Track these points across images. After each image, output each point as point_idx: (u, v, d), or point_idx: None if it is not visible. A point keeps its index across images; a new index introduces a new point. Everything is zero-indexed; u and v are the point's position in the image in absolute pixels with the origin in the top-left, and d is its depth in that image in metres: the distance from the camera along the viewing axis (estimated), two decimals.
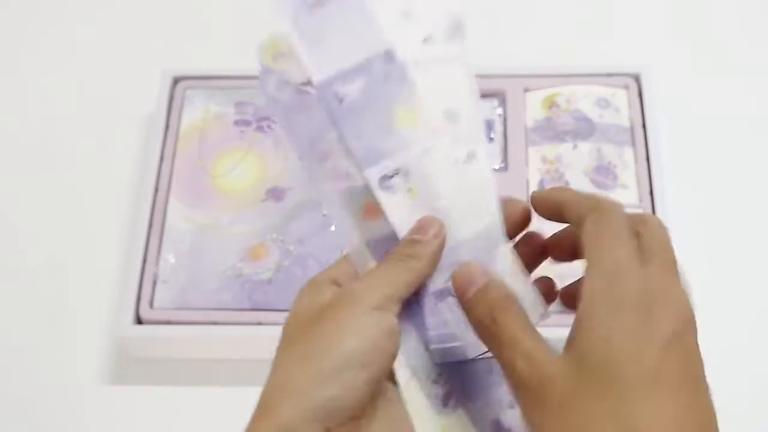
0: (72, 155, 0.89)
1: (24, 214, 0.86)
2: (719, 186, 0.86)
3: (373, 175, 0.44)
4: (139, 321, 0.75)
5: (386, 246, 0.45)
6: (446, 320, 0.45)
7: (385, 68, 0.44)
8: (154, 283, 0.76)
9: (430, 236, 0.44)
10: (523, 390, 0.38)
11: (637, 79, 0.85)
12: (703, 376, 0.39)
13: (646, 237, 0.41)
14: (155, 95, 0.86)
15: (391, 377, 0.44)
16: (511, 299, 0.42)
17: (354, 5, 0.44)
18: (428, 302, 0.45)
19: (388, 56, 0.44)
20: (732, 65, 0.93)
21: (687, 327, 0.39)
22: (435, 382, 0.45)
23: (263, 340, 0.75)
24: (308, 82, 0.44)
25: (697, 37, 0.95)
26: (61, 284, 0.82)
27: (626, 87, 0.85)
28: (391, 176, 0.44)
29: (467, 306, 0.43)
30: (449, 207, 0.45)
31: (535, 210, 0.46)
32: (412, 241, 0.44)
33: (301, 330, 0.42)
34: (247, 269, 0.77)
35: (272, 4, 0.45)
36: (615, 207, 0.42)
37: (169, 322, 0.75)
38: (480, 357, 0.45)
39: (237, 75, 0.87)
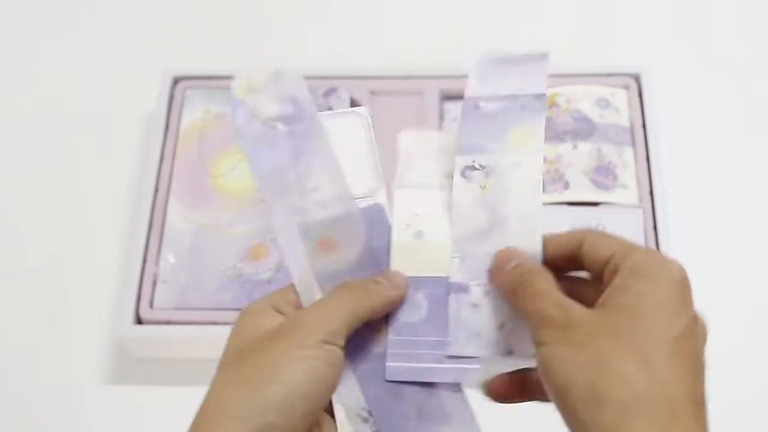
0: (72, 155, 0.89)
1: (24, 214, 0.86)
2: (719, 186, 0.86)
3: (460, 162, 0.47)
4: (139, 321, 0.75)
5: (335, 280, 0.46)
6: (417, 311, 0.46)
7: (528, 102, 0.48)
8: (154, 283, 0.76)
9: (393, 284, 0.45)
10: (552, 329, 0.40)
11: (637, 79, 0.85)
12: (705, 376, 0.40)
13: None
14: (155, 95, 0.86)
15: (328, 410, 0.44)
16: (544, 270, 0.43)
17: (534, 63, 0.49)
18: (429, 293, 0.46)
19: (538, 96, 0.48)
20: (732, 65, 0.93)
21: (702, 329, 0.42)
22: (365, 420, 0.45)
23: None
24: (277, 118, 0.47)
25: (697, 37, 0.95)
26: (61, 284, 0.82)
27: (626, 87, 0.85)
28: (476, 169, 0.47)
29: (503, 276, 0.44)
30: (506, 219, 0.46)
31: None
32: (374, 281, 0.45)
33: (244, 355, 0.42)
34: (247, 269, 0.77)
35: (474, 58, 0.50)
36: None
37: (169, 322, 0.75)
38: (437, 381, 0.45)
39: None
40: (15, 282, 0.83)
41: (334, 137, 0.48)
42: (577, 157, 0.81)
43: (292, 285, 0.46)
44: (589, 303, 0.41)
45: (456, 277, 0.46)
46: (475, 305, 0.46)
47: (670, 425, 0.36)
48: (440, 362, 0.45)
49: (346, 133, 0.49)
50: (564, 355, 0.39)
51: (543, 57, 0.50)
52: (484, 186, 0.47)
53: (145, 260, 0.77)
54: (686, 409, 0.37)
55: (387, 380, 0.45)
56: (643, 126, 0.83)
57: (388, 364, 0.45)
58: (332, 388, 0.43)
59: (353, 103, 0.85)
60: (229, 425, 0.40)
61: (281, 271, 0.76)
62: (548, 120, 0.83)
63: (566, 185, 0.80)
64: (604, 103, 0.84)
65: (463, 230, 0.47)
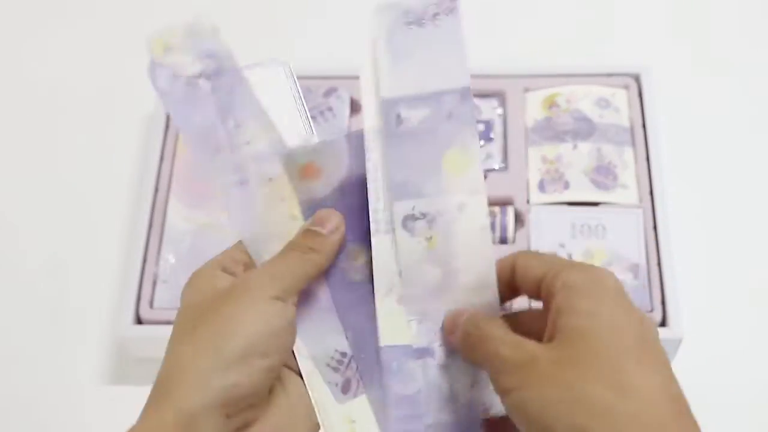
0: (72, 155, 0.89)
1: (24, 214, 0.86)
2: (719, 186, 0.86)
3: (400, 210, 0.44)
4: (139, 321, 0.75)
5: (319, 207, 0.45)
6: (412, 381, 0.44)
7: (454, 106, 0.44)
8: (154, 283, 0.76)
9: (329, 229, 0.44)
10: (509, 372, 0.39)
11: (637, 79, 0.85)
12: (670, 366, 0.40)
13: None
14: (155, 96, 0.86)
15: (290, 366, 0.44)
16: (493, 317, 0.43)
17: (450, 33, 0.45)
18: (399, 360, 0.44)
19: (464, 94, 0.44)
20: (732, 65, 0.93)
21: (648, 322, 0.41)
22: (335, 369, 0.45)
23: None
24: (199, 75, 0.45)
25: (696, 38, 0.95)
26: (61, 284, 0.82)
27: (626, 87, 0.85)
28: (417, 218, 0.44)
29: (456, 330, 0.43)
30: (459, 271, 0.44)
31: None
32: (312, 232, 0.44)
33: (200, 315, 0.42)
34: None
35: (373, 13, 0.46)
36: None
37: (169, 322, 0.74)
38: None
39: None
40: (15, 282, 0.83)
41: (257, 91, 0.46)
42: (577, 157, 0.81)
43: (239, 245, 0.45)
44: (539, 333, 0.40)
45: (417, 341, 0.44)
46: (442, 367, 0.44)
47: None
48: None
49: (270, 86, 0.47)
50: (535, 397, 0.38)
51: (452, 7, 0.45)
52: (430, 238, 0.44)
53: (145, 260, 0.77)
54: (672, 412, 0.37)
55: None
56: (643, 126, 0.83)
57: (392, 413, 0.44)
58: (290, 344, 0.43)
59: (353, 103, 0.85)
60: (193, 385, 0.40)
61: None
62: (548, 120, 0.83)
63: (566, 185, 0.80)
64: (604, 103, 0.84)
65: (415, 290, 0.44)
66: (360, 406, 0.45)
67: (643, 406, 0.36)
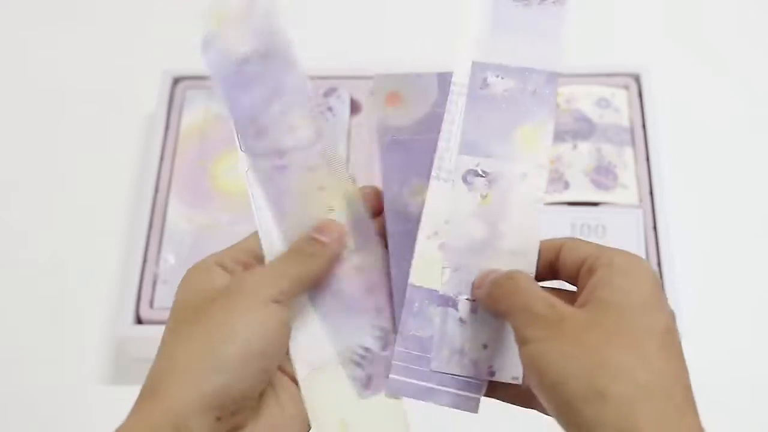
0: (72, 155, 0.90)
1: (24, 214, 0.87)
2: (719, 186, 0.86)
3: (464, 163, 0.46)
4: (139, 321, 0.75)
5: (396, 133, 0.46)
6: (428, 326, 0.45)
7: (540, 85, 0.47)
8: (155, 283, 0.76)
9: (332, 239, 0.44)
10: (536, 325, 0.40)
11: (637, 79, 0.85)
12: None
13: None
14: (155, 95, 0.86)
15: (284, 370, 0.44)
16: (528, 275, 0.43)
17: (553, 20, 0.47)
18: (421, 301, 0.45)
19: (551, 78, 0.47)
20: (732, 65, 0.93)
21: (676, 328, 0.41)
22: (358, 365, 0.45)
23: None
24: (251, 55, 0.45)
25: (696, 38, 0.95)
26: (61, 284, 0.82)
27: (626, 87, 0.85)
28: (479, 175, 0.46)
29: (485, 285, 0.44)
30: (504, 235, 0.45)
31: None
32: (314, 240, 0.44)
33: (195, 313, 0.42)
34: None
35: None
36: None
37: None
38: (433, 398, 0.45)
39: None
40: (15, 282, 0.83)
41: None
42: (577, 157, 0.81)
43: (240, 245, 0.46)
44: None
45: (445, 289, 0.45)
46: (461, 321, 0.45)
47: (672, 416, 0.37)
48: (443, 384, 0.45)
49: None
50: (556, 350, 0.38)
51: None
52: (486, 196, 0.46)
53: (145, 260, 0.77)
54: (684, 400, 0.38)
55: (386, 394, 0.45)
56: (643, 126, 0.83)
57: (391, 375, 0.45)
58: (284, 347, 0.43)
59: (353, 103, 0.85)
60: (185, 385, 0.39)
61: None
62: None
63: (566, 185, 0.80)
64: (604, 103, 0.84)
65: (458, 241, 0.45)
66: (379, 403, 0.45)
67: (658, 380, 0.37)
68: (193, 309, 0.42)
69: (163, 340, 0.42)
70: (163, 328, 0.77)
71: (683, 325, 0.73)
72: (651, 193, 0.79)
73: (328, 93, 0.84)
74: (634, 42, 0.95)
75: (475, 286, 0.45)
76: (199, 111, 0.85)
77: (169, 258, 0.77)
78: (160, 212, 0.80)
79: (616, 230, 0.78)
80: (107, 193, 0.87)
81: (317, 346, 0.45)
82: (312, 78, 0.88)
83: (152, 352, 0.78)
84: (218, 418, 0.40)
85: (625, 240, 0.77)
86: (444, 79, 0.47)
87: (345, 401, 0.44)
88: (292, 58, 0.46)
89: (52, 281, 0.82)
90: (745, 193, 0.85)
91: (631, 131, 0.83)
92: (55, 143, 0.91)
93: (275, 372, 0.43)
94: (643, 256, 0.76)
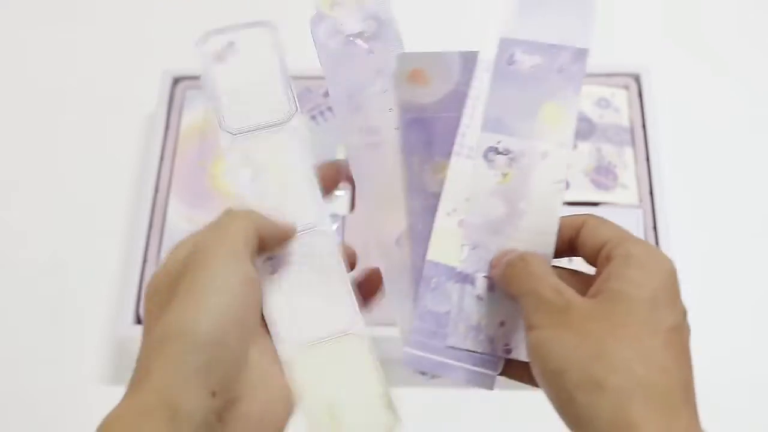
0: (72, 156, 0.90)
1: (24, 214, 0.87)
2: (719, 186, 0.86)
3: (485, 140, 0.46)
4: (139, 321, 0.75)
5: (418, 113, 0.46)
6: (446, 302, 0.45)
7: (567, 63, 0.47)
8: None
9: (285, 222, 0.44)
10: (542, 311, 0.40)
11: (637, 79, 0.85)
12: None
13: None
14: (155, 96, 0.86)
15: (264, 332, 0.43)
16: (543, 260, 0.43)
17: (584, 6, 0.47)
18: (439, 278, 0.45)
19: (579, 54, 0.47)
20: (731, 65, 0.93)
21: (687, 324, 0.41)
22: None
23: None
24: (359, 34, 0.47)
25: (696, 38, 0.95)
26: (61, 284, 0.82)
27: (626, 87, 0.85)
28: (500, 153, 0.46)
29: (501, 264, 0.44)
30: (523, 214, 0.45)
31: None
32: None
33: (168, 288, 0.41)
34: None
35: None
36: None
37: None
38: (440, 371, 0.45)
39: None
40: (15, 282, 0.83)
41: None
42: (577, 157, 0.81)
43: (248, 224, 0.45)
44: (579, 293, 0.41)
45: (463, 266, 0.45)
46: (479, 297, 0.45)
47: (668, 413, 0.37)
48: (459, 360, 0.45)
49: (258, 49, 0.49)
50: (559, 338, 0.39)
51: None
52: (506, 174, 0.46)
53: (145, 260, 0.77)
54: (682, 398, 0.38)
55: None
56: (643, 126, 0.83)
57: (406, 349, 0.45)
58: (256, 303, 0.42)
59: None
60: (170, 366, 0.39)
61: None
62: None
63: (566, 185, 0.80)
64: (604, 103, 0.84)
65: (478, 218, 0.46)
66: (367, 384, 0.44)
67: (658, 376, 0.37)
68: (164, 289, 0.42)
69: (144, 321, 0.43)
70: None
71: None
72: (651, 193, 0.79)
73: (328, 93, 0.84)
74: (634, 42, 0.95)
75: (491, 265, 0.45)
76: (199, 111, 0.85)
77: None
78: (160, 212, 0.80)
79: None
80: (107, 194, 0.87)
81: (295, 326, 0.44)
82: (312, 78, 0.88)
83: None
84: (213, 393, 0.39)
85: None
86: (467, 58, 0.47)
87: (331, 382, 0.44)
88: (398, 43, 0.47)
89: (52, 281, 0.82)
90: (744, 193, 0.85)
91: (631, 131, 0.83)
92: (55, 143, 0.90)
93: (257, 334, 0.42)
94: None
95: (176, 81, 0.87)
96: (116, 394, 0.81)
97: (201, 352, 0.39)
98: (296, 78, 0.87)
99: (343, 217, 0.79)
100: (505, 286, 0.44)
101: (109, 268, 0.82)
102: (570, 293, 0.40)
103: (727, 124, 0.89)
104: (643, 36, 0.95)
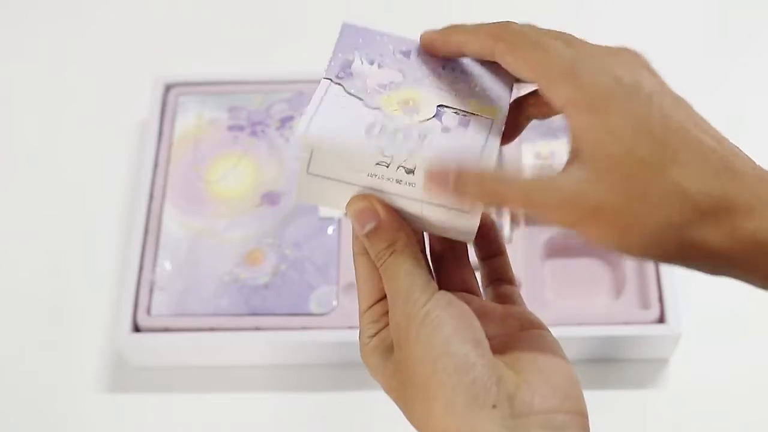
0: (66, 164, 0.89)
1: (18, 224, 0.86)
2: None
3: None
4: (136, 328, 0.75)
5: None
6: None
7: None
8: (151, 291, 0.76)
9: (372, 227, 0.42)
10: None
11: None
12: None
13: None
14: (147, 102, 0.86)
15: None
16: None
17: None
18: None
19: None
20: (731, 65, 0.93)
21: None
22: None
23: (261, 345, 0.75)
24: None
25: (696, 38, 0.95)
26: (58, 293, 0.82)
27: None
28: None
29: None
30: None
31: (431, 52, 0.46)
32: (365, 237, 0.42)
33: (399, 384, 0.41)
34: (244, 274, 0.77)
35: None
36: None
37: (166, 329, 0.75)
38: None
39: (229, 80, 0.86)
40: (10, 291, 0.82)
41: None
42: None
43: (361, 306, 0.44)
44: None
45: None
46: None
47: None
48: None
49: None
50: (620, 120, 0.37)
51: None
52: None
53: (141, 267, 0.77)
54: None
55: None
56: None
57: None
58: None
59: None
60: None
61: (278, 275, 0.76)
62: None
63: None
64: None
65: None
66: None
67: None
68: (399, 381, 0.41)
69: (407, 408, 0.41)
70: (160, 335, 0.77)
71: (681, 323, 0.73)
72: None
73: None
74: (634, 41, 0.94)
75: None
76: (191, 117, 0.85)
77: (165, 265, 0.77)
78: (156, 219, 0.79)
79: None
80: (102, 201, 0.86)
81: None
82: (307, 82, 0.88)
83: (150, 360, 0.78)
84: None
85: None
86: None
87: None
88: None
89: (48, 288, 0.82)
90: None
91: None
92: (48, 152, 0.90)
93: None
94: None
95: (168, 88, 0.86)
96: (114, 402, 0.81)
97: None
98: (290, 82, 0.88)
99: (339, 220, 0.79)
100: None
101: (106, 277, 0.82)
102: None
103: (726, 123, 0.88)
104: (643, 35, 0.95)
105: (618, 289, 0.77)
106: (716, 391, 0.74)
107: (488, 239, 0.47)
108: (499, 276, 0.47)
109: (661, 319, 0.73)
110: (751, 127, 0.88)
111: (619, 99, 0.38)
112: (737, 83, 0.91)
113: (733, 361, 0.76)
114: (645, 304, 0.74)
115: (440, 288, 0.42)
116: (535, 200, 0.39)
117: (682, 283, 0.75)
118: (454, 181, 0.41)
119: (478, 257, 0.48)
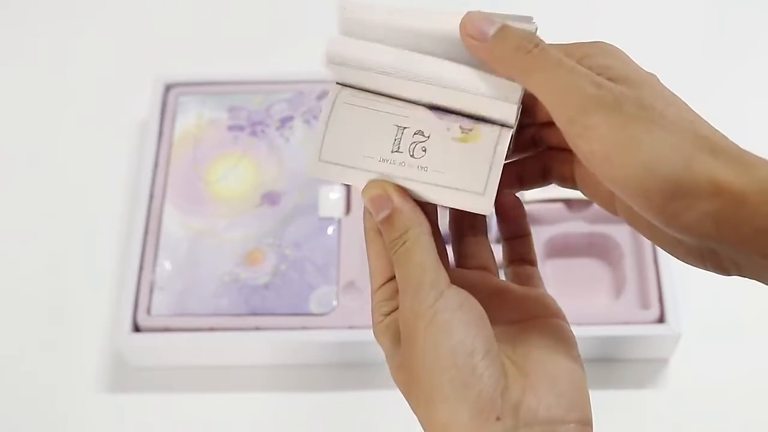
0: (66, 164, 0.89)
1: (18, 224, 0.86)
2: None
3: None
4: (136, 328, 0.75)
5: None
6: None
7: None
8: (151, 291, 0.76)
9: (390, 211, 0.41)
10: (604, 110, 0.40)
11: None
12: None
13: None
14: (147, 103, 0.86)
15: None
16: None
17: None
18: None
19: None
20: (732, 66, 0.93)
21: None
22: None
23: (261, 345, 0.75)
24: None
25: (696, 38, 0.95)
26: (58, 293, 0.82)
27: None
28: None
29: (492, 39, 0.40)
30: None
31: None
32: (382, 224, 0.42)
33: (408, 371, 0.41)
34: (244, 274, 0.77)
35: None
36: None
37: (167, 329, 0.75)
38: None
39: (229, 80, 0.86)
40: (10, 292, 0.82)
41: None
42: None
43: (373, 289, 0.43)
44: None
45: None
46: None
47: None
48: None
49: None
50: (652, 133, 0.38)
51: None
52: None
53: (141, 267, 0.77)
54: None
55: None
56: None
57: None
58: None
59: None
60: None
61: (278, 275, 0.76)
62: None
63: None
64: None
65: None
66: None
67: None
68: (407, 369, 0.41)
69: (418, 407, 0.41)
70: (160, 335, 0.77)
71: (681, 323, 0.73)
72: None
73: (321, 96, 0.84)
74: (634, 41, 0.94)
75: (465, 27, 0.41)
76: (191, 117, 0.85)
77: (165, 265, 0.77)
78: (156, 219, 0.79)
79: (614, 229, 0.78)
80: (102, 201, 0.86)
81: None
82: (305, 82, 0.88)
83: (150, 360, 0.78)
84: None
85: (623, 238, 0.77)
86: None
87: None
88: None
89: (48, 289, 0.82)
90: None
91: None
92: (48, 152, 0.90)
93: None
94: (642, 256, 0.76)
95: (168, 88, 0.86)
96: (114, 402, 0.81)
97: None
98: (290, 82, 0.88)
99: (339, 220, 0.79)
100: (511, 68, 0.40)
101: (106, 277, 0.82)
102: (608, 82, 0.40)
103: (726, 123, 0.88)
104: (643, 36, 0.95)
105: (618, 289, 0.77)
106: (716, 391, 0.74)
107: (515, 219, 0.47)
108: (522, 256, 0.47)
109: (661, 319, 0.73)
110: (751, 127, 0.88)
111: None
112: (737, 83, 0.91)
113: (733, 361, 0.76)
114: (645, 304, 0.74)
115: (458, 265, 0.41)
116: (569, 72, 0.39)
117: (682, 283, 0.75)
118: (497, 32, 0.39)
119: (502, 237, 0.48)
